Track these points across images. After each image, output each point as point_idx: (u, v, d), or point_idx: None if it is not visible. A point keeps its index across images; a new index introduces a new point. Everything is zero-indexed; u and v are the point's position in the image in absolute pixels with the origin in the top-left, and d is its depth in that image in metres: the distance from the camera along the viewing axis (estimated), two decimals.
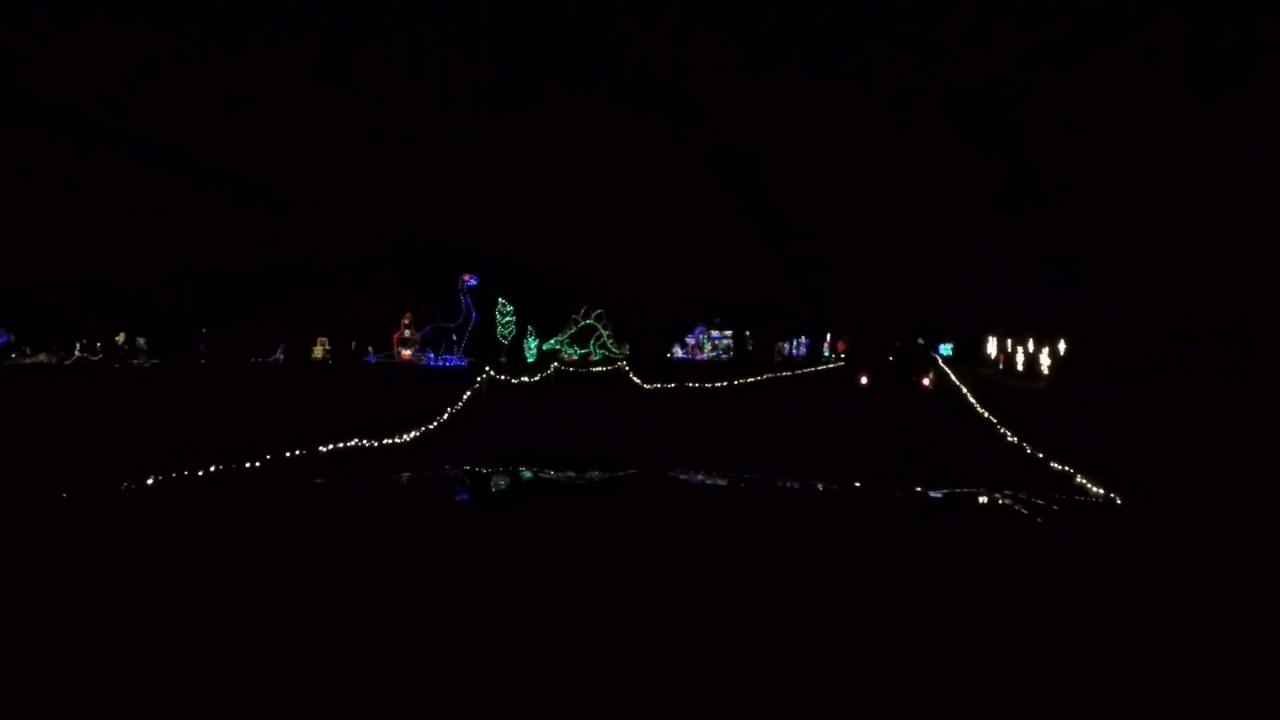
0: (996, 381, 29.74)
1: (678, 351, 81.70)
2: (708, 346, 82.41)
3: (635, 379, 21.97)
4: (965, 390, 19.96)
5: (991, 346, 44.53)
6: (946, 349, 70.01)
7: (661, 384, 22.95)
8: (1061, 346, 25.85)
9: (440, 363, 42.16)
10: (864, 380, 21.74)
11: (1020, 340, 31.40)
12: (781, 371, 37.02)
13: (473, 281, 44.07)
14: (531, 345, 48.95)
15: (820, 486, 2.10)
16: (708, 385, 24.32)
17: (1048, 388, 26.20)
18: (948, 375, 29.63)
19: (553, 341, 54.82)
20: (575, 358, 54.09)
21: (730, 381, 26.16)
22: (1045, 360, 27.42)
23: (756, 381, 28.17)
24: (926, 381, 21.86)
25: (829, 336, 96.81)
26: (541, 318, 50.67)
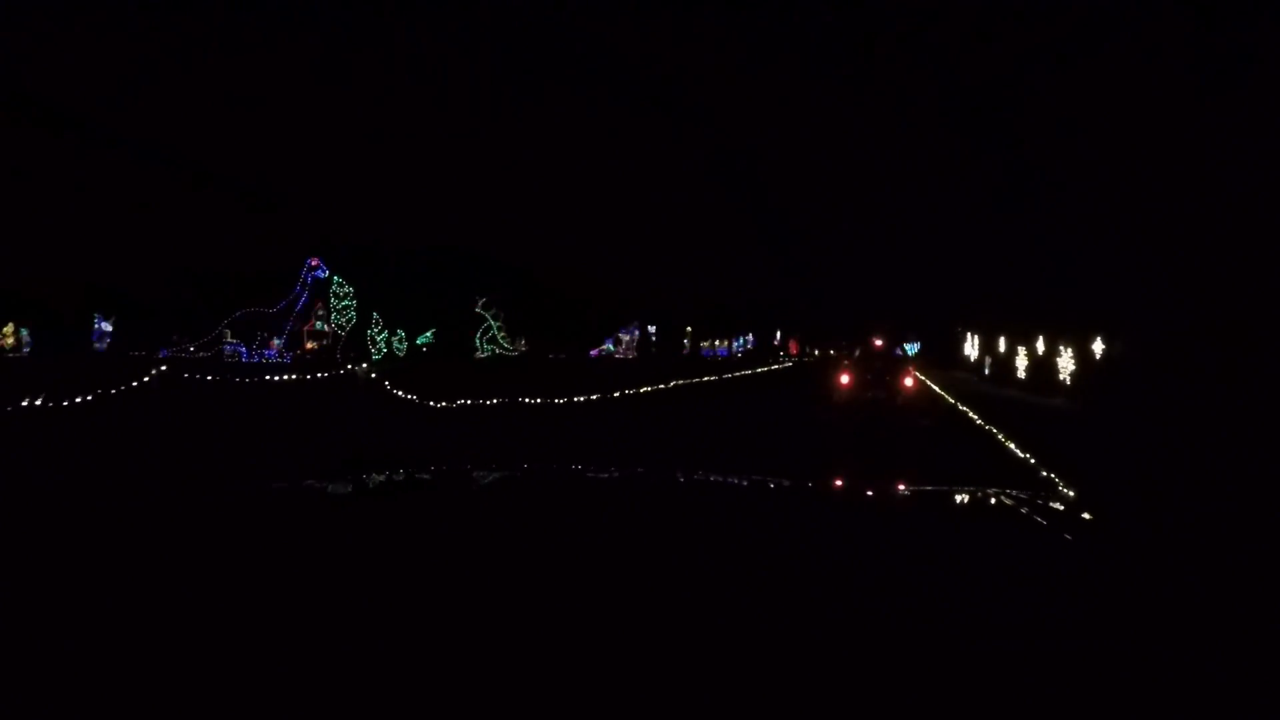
0: (990, 393, 21.34)
1: (608, 345, 73.03)
2: (639, 343, 73.59)
3: (403, 394, 12.89)
4: (979, 419, 11.45)
5: (971, 346, 36.15)
6: (910, 349, 62.25)
7: (473, 401, 13.93)
8: (1097, 348, 17.42)
9: (256, 358, 32.70)
10: (845, 380, 18.25)
11: (1021, 338, 23.06)
12: (704, 375, 28.36)
13: (312, 261, 33.92)
14: (380, 339, 39.40)
15: (772, 484, 2.03)
16: (561, 401, 15.42)
17: (1073, 406, 17.77)
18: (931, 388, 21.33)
19: (429, 334, 45.63)
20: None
21: (608, 394, 17.31)
22: (1067, 365, 18.99)
23: (651, 393, 19.34)
24: (910, 382, 18.35)
25: (779, 334, 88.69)
26: (412, 305, 41.42)
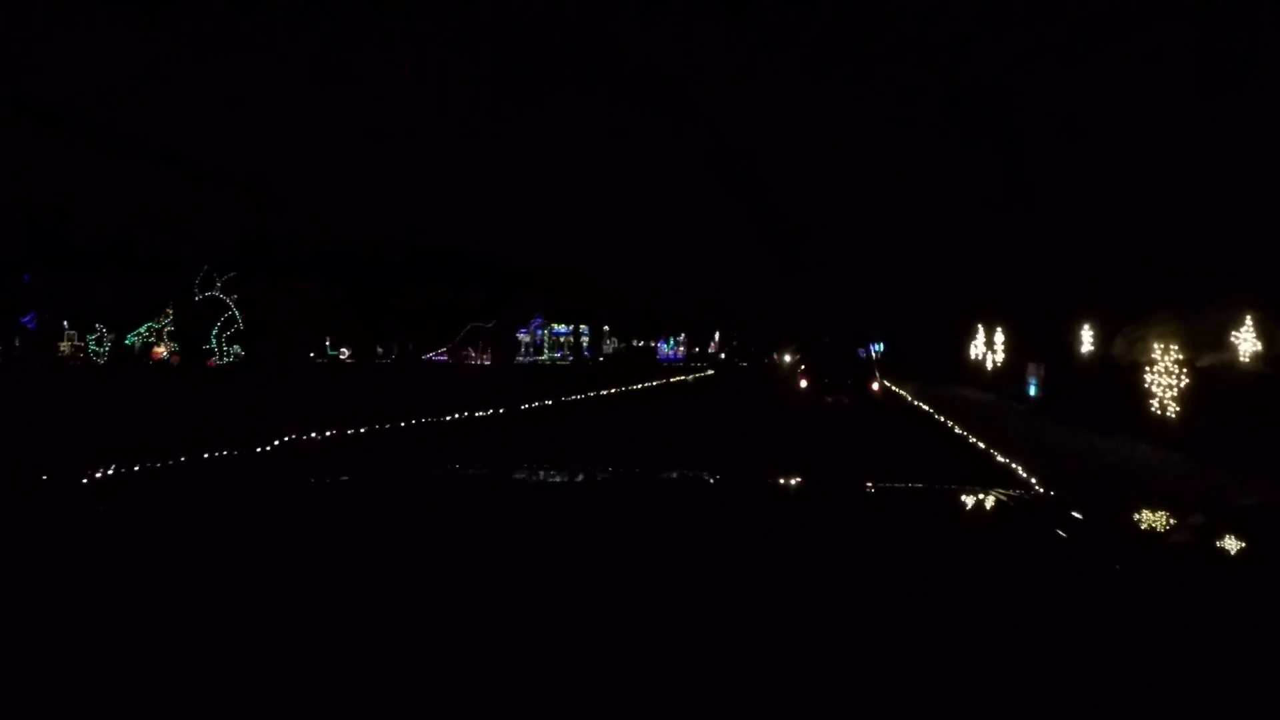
0: (1080, 449, 9.81)
1: (525, 348, 60.89)
2: (546, 345, 61.54)
3: None
4: None
5: (987, 347, 24.61)
6: (873, 349, 51.60)
7: None
8: None
9: None
10: (804, 383, 16.36)
11: (1159, 331, 11.58)
12: (536, 400, 16.68)
13: None
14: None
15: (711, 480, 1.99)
16: None
17: None
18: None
19: (143, 329, 32.95)
20: (178, 355, 31.66)
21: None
22: None
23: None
24: (876, 386, 16.48)
25: (717, 334, 77.44)
26: (119, 289, 28.50)
